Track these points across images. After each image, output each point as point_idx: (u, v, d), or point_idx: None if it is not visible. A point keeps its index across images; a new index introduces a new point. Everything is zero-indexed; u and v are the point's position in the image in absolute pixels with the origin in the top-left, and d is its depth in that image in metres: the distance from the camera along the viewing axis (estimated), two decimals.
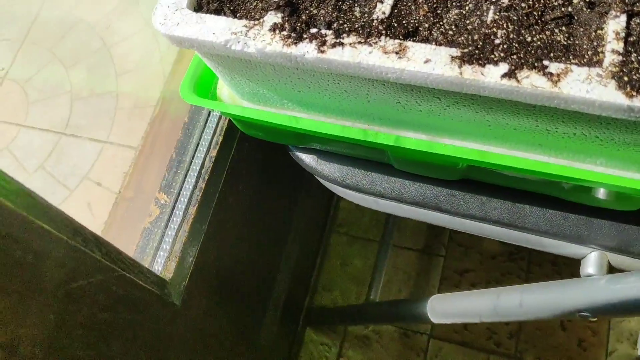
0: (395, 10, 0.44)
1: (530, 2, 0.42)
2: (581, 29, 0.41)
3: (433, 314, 0.84)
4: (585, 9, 0.42)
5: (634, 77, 0.37)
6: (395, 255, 1.37)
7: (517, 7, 0.42)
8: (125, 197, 1.09)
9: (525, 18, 0.41)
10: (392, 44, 0.42)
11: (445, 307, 0.82)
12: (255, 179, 0.76)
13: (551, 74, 0.39)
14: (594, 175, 0.47)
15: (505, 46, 0.40)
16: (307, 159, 0.66)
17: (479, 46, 0.40)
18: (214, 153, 0.63)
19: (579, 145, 0.46)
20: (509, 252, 1.37)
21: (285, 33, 0.43)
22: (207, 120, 0.65)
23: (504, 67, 0.39)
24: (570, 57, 0.40)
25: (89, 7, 1.91)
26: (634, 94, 0.37)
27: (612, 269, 0.61)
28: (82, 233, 0.42)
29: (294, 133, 0.60)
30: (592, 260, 0.60)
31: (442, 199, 0.62)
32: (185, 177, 0.62)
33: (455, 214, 0.62)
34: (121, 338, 0.50)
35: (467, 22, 0.43)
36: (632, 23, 0.40)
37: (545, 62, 0.39)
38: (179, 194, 0.62)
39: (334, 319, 1.26)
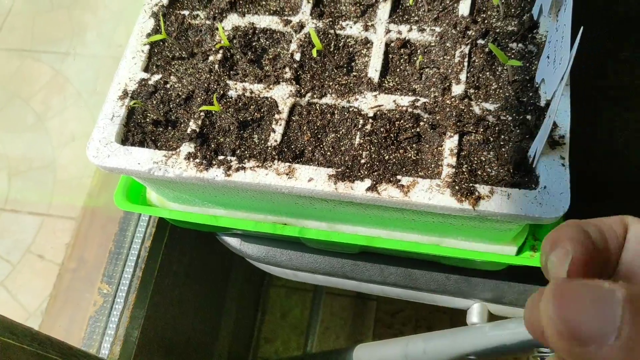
0: (285, 137, 0.55)
1: (388, 127, 0.54)
2: (427, 146, 0.54)
3: None
4: (429, 130, 0.54)
5: (463, 185, 0.50)
6: (331, 303, 1.47)
7: (378, 132, 0.54)
8: (68, 268, 1.15)
9: (383, 140, 0.53)
10: (283, 166, 0.53)
11: (368, 355, 0.92)
12: (189, 257, 0.85)
13: (403, 186, 0.51)
14: (456, 251, 0.59)
15: (368, 165, 0.52)
16: (232, 242, 0.76)
17: (349, 166, 0.52)
18: (148, 243, 0.72)
19: (440, 228, 0.58)
20: None
21: (197, 160, 0.54)
22: (140, 214, 0.74)
23: (368, 182, 0.51)
24: (419, 170, 0.52)
25: (22, 82, 1.96)
26: (463, 199, 0.49)
27: (492, 316, 0.74)
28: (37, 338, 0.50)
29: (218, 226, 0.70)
30: (475, 311, 0.73)
31: (348, 269, 0.73)
32: (124, 267, 0.71)
33: (360, 280, 0.74)
34: None
35: (341, 144, 0.54)
36: (463, 140, 0.53)
37: (399, 177, 0.51)
38: (119, 283, 0.70)
39: None
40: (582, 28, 0.46)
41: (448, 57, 0.58)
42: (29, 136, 1.88)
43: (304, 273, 0.76)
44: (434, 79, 0.57)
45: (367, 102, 0.55)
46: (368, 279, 0.73)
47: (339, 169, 0.52)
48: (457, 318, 1.47)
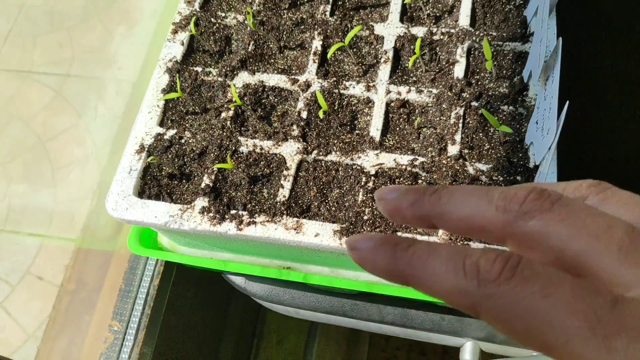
0: (293, 193, 0.59)
1: (388, 184, 0.58)
2: None
3: None
4: None
5: (458, 243, 0.54)
6: (327, 327, 1.51)
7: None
8: (68, 289, 1.17)
9: None
10: (291, 221, 0.57)
11: None
12: (194, 291, 0.88)
13: None
14: None
15: (371, 221, 0.56)
16: (237, 280, 0.79)
17: (353, 222, 0.56)
18: (157, 282, 0.75)
19: None
20: None
21: (211, 215, 0.58)
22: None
23: None
24: (416, 227, 0.56)
25: (22, 103, 1.99)
26: None
27: (484, 354, 0.77)
28: None
29: None
30: (468, 349, 0.76)
31: (348, 308, 0.77)
32: (134, 305, 0.74)
33: (359, 318, 0.77)
34: None
35: (345, 199, 0.59)
36: None
37: (400, 233, 0.55)
38: (129, 321, 0.74)
39: None
40: (567, 102, 0.50)
41: (444, 118, 0.62)
42: (29, 157, 1.91)
43: (306, 311, 0.79)
44: (431, 139, 0.61)
45: (369, 160, 0.60)
46: (366, 317, 0.76)
47: (344, 225, 0.56)
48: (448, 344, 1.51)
